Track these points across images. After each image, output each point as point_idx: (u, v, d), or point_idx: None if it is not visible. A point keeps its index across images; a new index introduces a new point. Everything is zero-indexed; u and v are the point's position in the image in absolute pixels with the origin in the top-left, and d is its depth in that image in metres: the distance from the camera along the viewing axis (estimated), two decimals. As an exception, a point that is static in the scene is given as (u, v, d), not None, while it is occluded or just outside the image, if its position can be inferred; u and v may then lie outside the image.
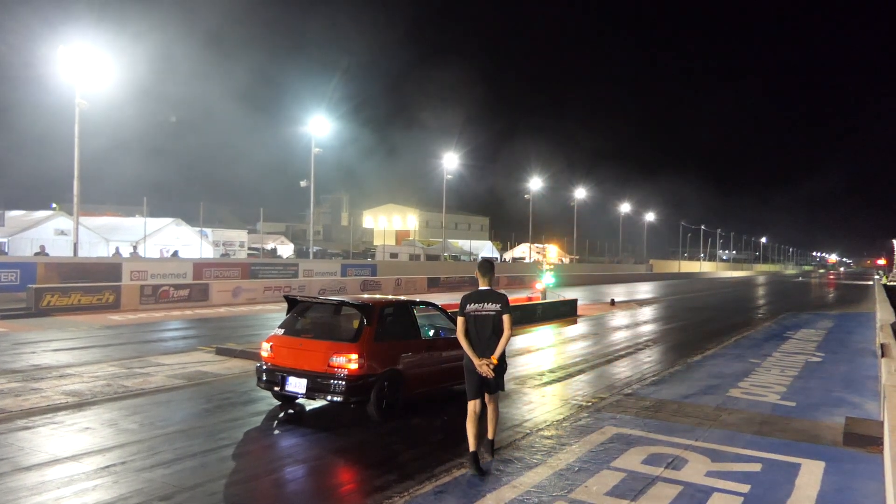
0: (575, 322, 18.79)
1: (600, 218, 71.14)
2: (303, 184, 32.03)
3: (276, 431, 6.88)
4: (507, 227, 70.43)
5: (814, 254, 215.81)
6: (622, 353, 13.33)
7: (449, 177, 44.16)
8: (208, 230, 35.06)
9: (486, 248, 59.87)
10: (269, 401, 8.06)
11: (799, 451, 6.18)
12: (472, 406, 5.41)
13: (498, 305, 5.47)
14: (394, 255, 47.66)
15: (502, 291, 5.72)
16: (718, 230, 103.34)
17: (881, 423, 6.47)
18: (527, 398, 8.76)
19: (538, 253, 54.94)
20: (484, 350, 5.38)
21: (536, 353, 13.26)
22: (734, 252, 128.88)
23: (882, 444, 5.85)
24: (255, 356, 10.54)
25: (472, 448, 5.35)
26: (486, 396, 5.50)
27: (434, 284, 29.70)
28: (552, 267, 25.67)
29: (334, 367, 6.55)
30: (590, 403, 8.31)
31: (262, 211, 38.38)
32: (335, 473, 5.76)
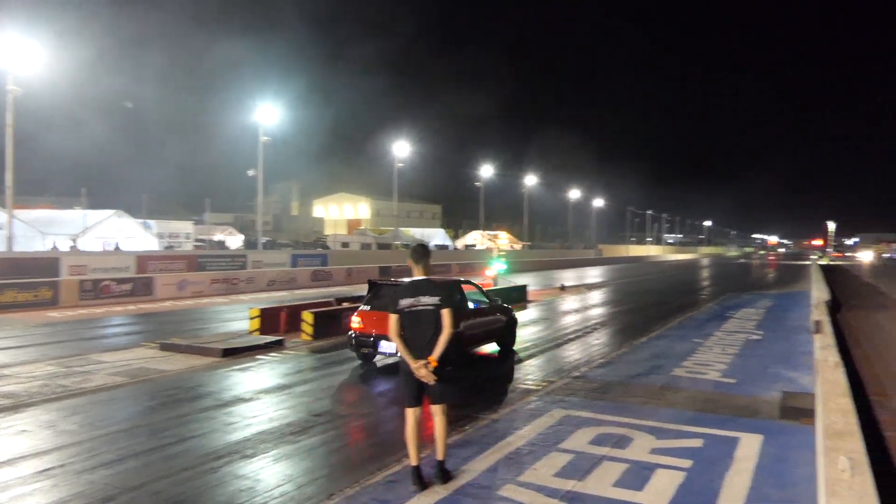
0: (525, 307, 18.97)
1: (551, 205, 71.97)
2: (250, 173, 31.42)
3: (228, 425, 6.76)
4: (460, 215, 70.75)
5: (755, 236, 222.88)
6: (572, 336, 13.54)
7: (401, 165, 43.96)
8: (152, 222, 34.16)
9: (438, 236, 59.94)
10: (217, 395, 7.93)
11: (738, 426, 6.40)
12: (411, 415, 4.80)
13: (437, 298, 4.72)
14: (345, 245, 47.28)
15: (442, 279, 5.04)
16: (664, 215, 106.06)
17: (814, 396, 6.75)
18: (478, 384, 8.82)
19: (489, 240, 55.31)
20: (423, 351, 4.67)
21: (488, 339, 13.36)
22: (680, 235, 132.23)
23: (814, 415, 6.10)
24: (202, 351, 10.38)
25: (413, 462, 4.80)
26: (432, 408, 4.82)
27: (385, 273, 29.57)
28: (503, 254, 25.84)
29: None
30: (539, 387, 8.42)
31: (208, 201, 37.45)
32: (285, 468, 5.69)
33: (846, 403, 5.22)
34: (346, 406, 7.60)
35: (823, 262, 62.02)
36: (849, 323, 15.39)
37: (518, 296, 20.11)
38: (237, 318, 15.31)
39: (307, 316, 12.17)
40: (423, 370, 4.63)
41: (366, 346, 9.28)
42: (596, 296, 24.07)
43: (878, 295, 23.99)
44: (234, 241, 43.89)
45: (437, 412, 4.82)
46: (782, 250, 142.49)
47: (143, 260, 23.38)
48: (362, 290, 20.49)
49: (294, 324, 12.57)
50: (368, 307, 9.61)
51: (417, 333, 4.71)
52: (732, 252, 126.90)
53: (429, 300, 4.72)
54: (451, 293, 4.82)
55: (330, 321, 12.60)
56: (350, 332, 9.55)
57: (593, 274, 40.44)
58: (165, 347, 10.88)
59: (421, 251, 4.94)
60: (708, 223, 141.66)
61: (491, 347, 11.19)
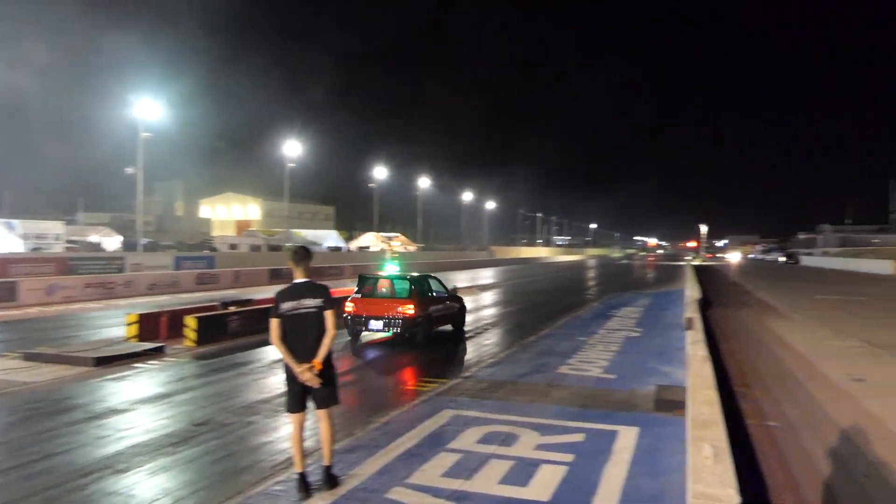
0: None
1: (444, 207, 72.85)
2: (130, 171, 29.74)
3: (100, 439, 6.32)
4: (354, 217, 70.28)
5: (636, 238, 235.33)
6: (464, 338, 13.71)
7: (292, 165, 43.04)
8: (16, 222, 31.68)
9: (331, 238, 59.15)
10: (87, 408, 7.43)
11: (618, 420, 6.72)
12: (295, 420, 4.71)
13: (319, 300, 4.68)
14: (234, 247, 45.67)
15: (323, 283, 4.93)
16: (553, 217, 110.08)
17: (685, 389, 7.19)
18: (368, 386, 8.79)
19: (383, 242, 55.18)
20: (308, 355, 4.61)
21: (380, 341, 13.31)
22: (568, 237, 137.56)
23: (685, 407, 6.50)
24: (72, 360, 9.67)
25: (298, 468, 4.72)
26: (318, 413, 4.75)
27: (276, 276, 28.84)
28: (397, 256, 25.80)
29: (400, 313, 11.17)
30: (430, 388, 8.46)
31: (81, 200, 35.06)
32: (162, 481, 5.38)
33: (712, 395, 5.60)
34: (231, 414, 7.32)
35: (697, 262, 66.42)
36: (717, 319, 16.54)
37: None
38: (113, 324, 14.41)
39: (190, 321, 11.66)
40: (307, 374, 4.56)
41: (359, 324, 11.71)
42: (488, 297, 24.55)
43: (744, 294, 25.97)
44: (112, 242, 41.40)
45: (322, 416, 4.75)
46: (661, 251, 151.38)
47: (5, 263, 21.58)
48: (251, 293, 19.90)
49: (176, 329, 11.99)
50: (360, 295, 11.98)
51: (301, 337, 4.61)
52: (616, 253, 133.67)
53: (311, 302, 4.65)
54: (331, 295, 4.78)
55: (215, 326, 12.13)
56: (345, 315, 11.57)
57: (486, 275, 41.26)
58: (30, 357, 10.05)
59: (302, 253, 4.83)
60: (593, 226, 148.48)
61: (447, 327, 13.70)
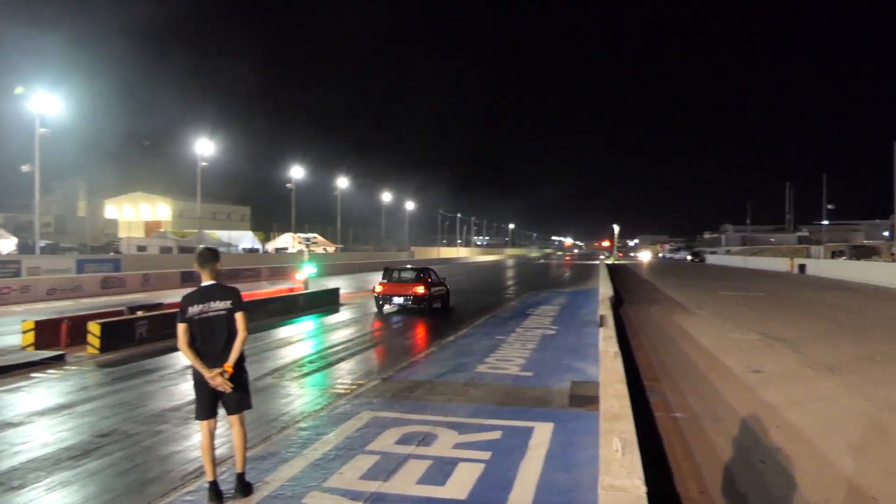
0: (338, 310, 18.86)
1: (364, 208, 72.30)
2: (25, 168, 27.88)
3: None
4: (270, 217, 68.62)
5: (553, 238, 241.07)
6: (381, 338, 13.68)
7: (205, 163, 41.59)
8: None
9: (247, 239, 57.59)
10: (-24, 422, 6.93)
11: (533, 416, 6.85)
12: (205, 428, 4.57)
13: (228, 302, 4.56)
14: (142, 249, 43.72)
15: (233, 285, 4.79)
16: (473, 218, 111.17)
17: (598, 384, 7.44)
18: (285, 391, 8.61)
19: (301, 243, 54.21)
20: (218, 360, 4.50)
21: (297, 343, 13.10)
22: (487, 237, 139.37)
23: (598, 401, 6.73)
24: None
25: (209, 477, 4.59)
26: (230, 418, 4.65)
27: (188, 279, 27.81)
28: (315, 257, 25.45)
29: (414, 292, 16.34)
30: (349, 391, 8.40)
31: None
32: (61, 497, 5.09)
33: (622, 389, 5.81)
34: (138, 423, 7.02)
35: (610, 261, 68.73)
36: (629, 316, 17.19)
37: (330, 299, 19.93)
38: (7, 332, 13.51)
39: (93, 327, 11.10)
40: (218, 378, 4.45)
41: (385, 301, 17.24)
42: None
43: (653, 291, 27.08)
44: (6, 244, 38.79)
45: (235, 422, 4.63)
46: (577, 251, 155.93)
47: None
48: (161, 296, 19.12)
49: (78, 337, 11.37)
50: (386, 280, 17.76)
51: (210, 341, 4.51)
52: (534, 253, 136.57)
53: (220, 305, 4.54)
54: (240, 296, 4.67)
55: (121, 332, 11.61)
56: (375, 295, 17.57)
57: (406, 276, 41.15)
58: (-90, 370, 9.28)
59: (207, 255, 4.68)
60: (512, 226, 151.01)
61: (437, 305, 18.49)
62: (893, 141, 41.80)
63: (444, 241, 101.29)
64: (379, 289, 17.75)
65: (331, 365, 10.59)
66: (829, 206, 58.92)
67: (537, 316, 17.15)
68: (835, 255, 45.75)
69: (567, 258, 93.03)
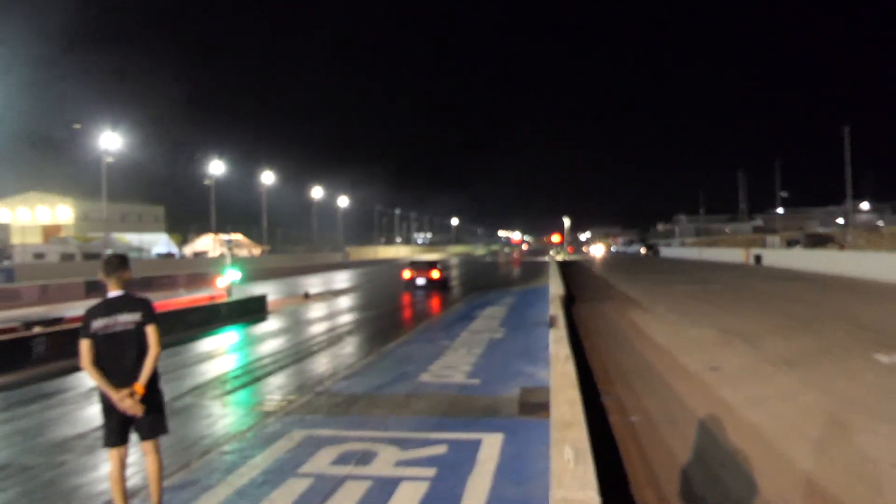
0: (265, 319, 18.59)
1: (293, 206, 71.33)
2: None
3: None
4: (188, 218, 66.93)
5: (500, 234, 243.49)
6: (316, 348, 13.55)
7: (110, 160, 40.30)
8: None
9: (161, 243, 56.06)
10: None
11: (481, 427, 6.89)
12: (115, 456, 4.41)
13: (137, 315, 4.44)
14: (39, 256, 41.98)
15: (143, 296, 4.67)
16: (412, 214, 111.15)
17: (549, 389, 7.52)
18: (206, 411, 8.40)
19: (222, 245, 53.13)
20: (127, 379, 4.36)
21: (220, 357, 12.83)
22: (429, 234, 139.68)
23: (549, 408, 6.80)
24: None
25: None
26: (143, 445, 4.52)
27: (95, 289, 26.85)
28: (239, 260, 24.99)
29: (432, 277, 27.59)
30: (278, 408, 8.27)
31: None
32: None
33: (574, 395, 5.89)
34: (37, 454, 6.72)
35: (560, 257, 69.86)
36: (581, 315, 17.49)
37: (256, 306, 19.61)
38: None
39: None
40: (127, 400, 4.31)
41: (411, 284, 26.99)
42: (344, 302, 24.38)
43: (607, 288, 27.63)
44: None
45: (148, 449, 4.51)
46: (526, 247, 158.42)
47: None
48: (63, 309, 18.43)
49: (-36, 358, 10.81)
50: (412, 267, 28.04)
51: (118, 358, 4.37)
52: (480, 250, 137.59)
53: (128, 318, 4.41)
54: (152, 308, 4.55)
55: (15, 351, 11.11)
56: (405, 280, 27.68)
57: (341, 279, 40.90)
58: None
59: (115, 262, 4.56)
60: (456, 221, 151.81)
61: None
62: (843, 126, 43.82)
63: (383, 240, 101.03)
64: (407, 273, 28.90)
65: (258, 380, 10.41)
66: (783, 194, 61.53)
67: (484, 318, 17.27)
68: (790, 244, 47.67)
69: (515, 255, 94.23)
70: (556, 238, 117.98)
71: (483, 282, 35.64)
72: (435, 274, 28.47)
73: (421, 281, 28.39)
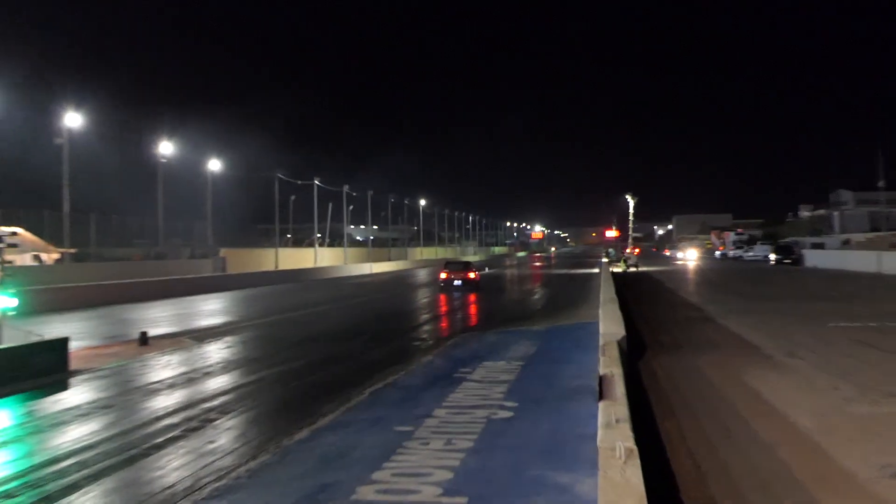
0: (66, 385, 18.44)
1: (125, 180, 70.98)
2: None
3: None
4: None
5: (510, 224, 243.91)
6: (162, 439, 13.43)
7: None
8: None
9: None
10: None
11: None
12: None
13: None
14: None
15: None
16: (346, 187, 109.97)
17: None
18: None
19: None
20: None
21: None
22: (375, 227, 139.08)
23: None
24: None
25: None
26: None
27: None
28: (15, 274, 24.75)
29: (469, 277, 55.95)
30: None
31: None
32: None
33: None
34: None
35: (620, 268, 69.92)
36: (657, 376, 17.48)
37: (50, 362, 19.40)
38: None
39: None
40: None
41: (448, 283, 54.06)
42: (215, 351, 24.26)
43: (704, 322, 27.71)
44: None
45: None
46: (554, 249, 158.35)
47: None
48: None
49: None
50: (448, 269, 57.16)
51: None
52: (473, 255, 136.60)
53: None
54: None
55: None
56: (440, 281, 55.07)
57: (211, 307, 40.79)
58: None
59: None
60: (424, 202, 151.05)
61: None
62: None
63: (289, 237, 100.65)
64: (444, 275, 52.89)
65: (53, 500, 10.29)
66: None
67: (477, 382, 17.25)
68: None
69: (536, 263, 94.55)
70: (610, 232, 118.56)
71: (476, 313, 35.60)
72: (472, 275, 54.01)
73: (458, 282, 52.73)
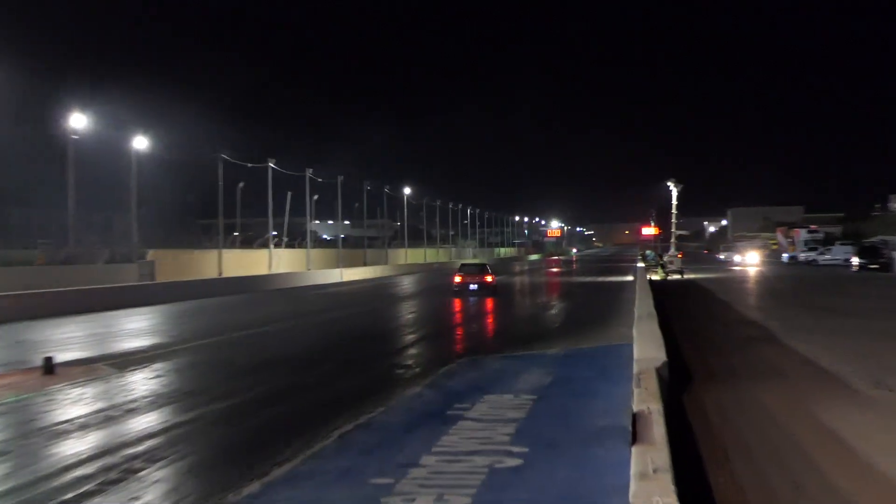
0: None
1: (28, 164, 71.22)
2: None
3: None
4: None
5: (519, 219, 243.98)
6: (72, 494, 13.43)
7: None
8: None
9: None
10: None
11: None
12: None
13: None
14: None
15: None
16: (309, 171, 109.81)
17: None
18: None
19: None
20: None
21: None
22: (346, 223, 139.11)
23: None
24: None
25: None
26: None
27: None
28: None
29: (486, 281, 68.09)
30: None
31: None
32: None
33: None
34: None
35: (658, 276, 69.87)
36: (705, 411, 17.50)
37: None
38: None
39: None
40: None
41: (463, 287, 65.56)
42: (143, 382, 24.30)
43: (766, 342, 27.74)
44: None
45: None
46: (576, 251, 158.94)
47: None
48: None
49: None
50: (462, 272, 68.93)
51: None
52: (470, 259, 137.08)
53: None
54: None
55: None
56: (454, 286, 66.15)
57: (136, 326, 40.92)
58: None
59: None
60: (408, 191, 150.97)
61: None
62: None
63: (237, 236, 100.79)
64: (458, 279, 63.96)
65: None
66: None
67: (475, 420, 17.28)
68: None
69: (553, 269, 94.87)
70: (647, 230, 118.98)
71: (474, 334, 35.65)
72: (489, 279, 63.01)
73: (474, 286, 62.11)
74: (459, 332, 37.82)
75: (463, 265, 72.52)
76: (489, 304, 52.74)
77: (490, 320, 42.68)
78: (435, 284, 75.57)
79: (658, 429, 11.16)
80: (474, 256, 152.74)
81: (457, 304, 53.06)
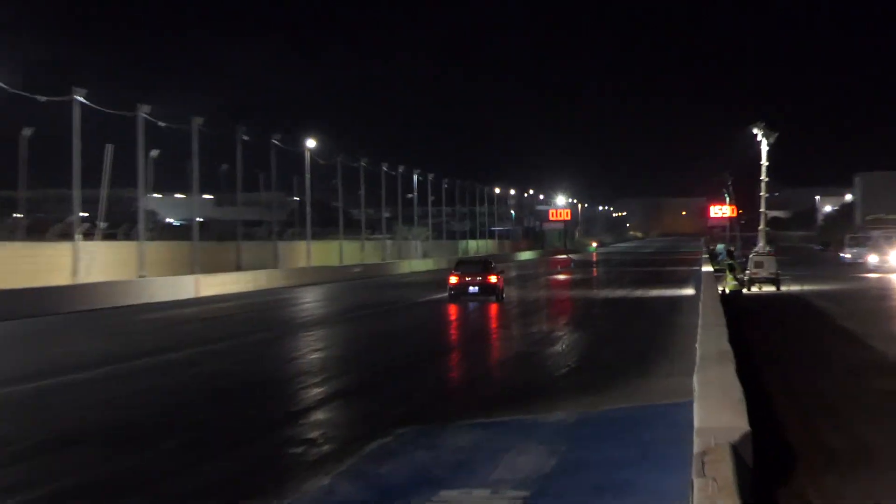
0: None
1: None
2: None
3: None
4: None
5: (500, 191, 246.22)
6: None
7: None
8: None
9: None
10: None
11: None
12: None
13: None
14: None
15: None
16: (145, 109, 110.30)
17: None
18: None
19: None
20: None
21: None
22: (208, 197, 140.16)
23: None
24: None
25: None
26: None
27: None
28: None
29: (489, 281, 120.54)
30: None
31: None
32: None
33: None
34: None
35: (729, 285, 69.76)
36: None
37: None
38: None
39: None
40: None
41: (460, 290, 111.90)
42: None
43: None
44: None
45: None
46: (596, 244, 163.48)
47: None
48: None
49: None
50: (459, 271, 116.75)
51: None
52: (414, 261, 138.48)
53: None
54: None
55: None
56: (450, 288, 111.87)
57: None
58: None
59: None
60: (314, 144, 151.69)
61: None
62: None
63: (22, 217, 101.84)
64: (454, 279, 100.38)
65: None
66: None
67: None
68: None
69: (562, 272, 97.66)
70: (719, 210, 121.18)
71: (423, 382, 35.54)
72: (493, 279, 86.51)
73: (473, 289, 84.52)
74: (403, 383, 37.43)
75: (460, 262, 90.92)
76: (453, 335, 52.41)
77: (454, 362, 42.49)
78: (357, 303, 75.37)
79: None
80: (423, 255, 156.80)
81: (400, 334, 52.54)
